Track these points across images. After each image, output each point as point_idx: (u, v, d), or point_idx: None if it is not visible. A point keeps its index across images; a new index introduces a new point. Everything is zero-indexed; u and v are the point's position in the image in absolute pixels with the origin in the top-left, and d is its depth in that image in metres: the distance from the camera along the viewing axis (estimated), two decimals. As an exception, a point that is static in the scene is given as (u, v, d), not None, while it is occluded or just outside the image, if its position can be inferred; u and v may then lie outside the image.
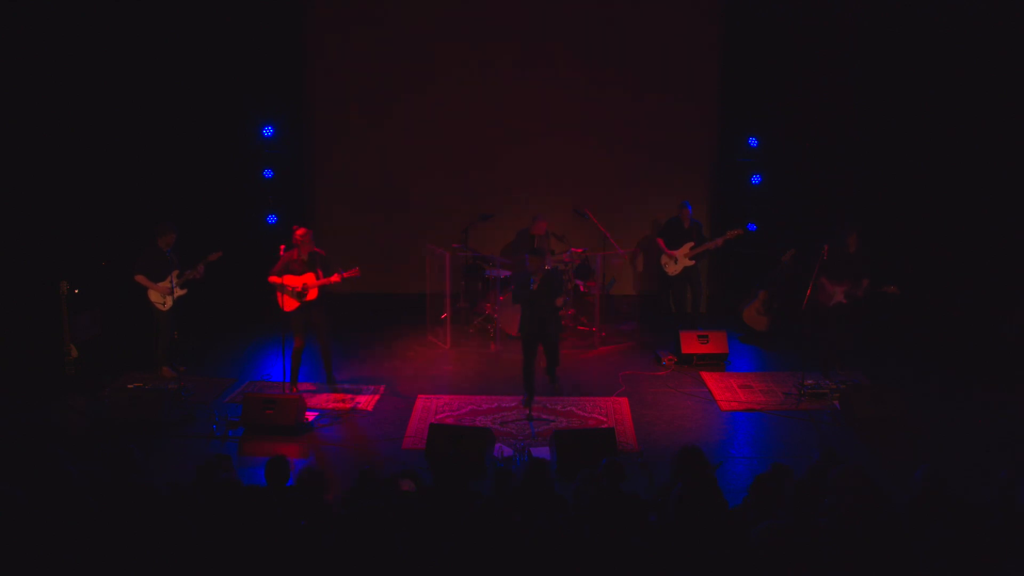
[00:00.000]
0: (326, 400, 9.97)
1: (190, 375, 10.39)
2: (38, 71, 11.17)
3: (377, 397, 10.12)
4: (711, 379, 10.65)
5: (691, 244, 12.26)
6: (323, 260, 9.86)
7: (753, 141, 13.09)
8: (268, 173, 13.14)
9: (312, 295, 9.81)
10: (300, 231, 9.76)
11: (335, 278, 9.74)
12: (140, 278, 10.14)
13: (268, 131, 13.01)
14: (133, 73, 12.06)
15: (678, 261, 12.31)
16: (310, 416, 9.45)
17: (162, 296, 10.17)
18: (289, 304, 9.80)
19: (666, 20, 13.33)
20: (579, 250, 12.28)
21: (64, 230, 11.33)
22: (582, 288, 12.40)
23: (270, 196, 13.19)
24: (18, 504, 5.03)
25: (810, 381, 10.19)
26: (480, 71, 13.44)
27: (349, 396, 10.09)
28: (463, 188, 13.62)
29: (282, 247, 9.77)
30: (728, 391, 10.33)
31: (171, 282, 10.04)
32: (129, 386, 9.85)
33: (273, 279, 9.74)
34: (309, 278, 9.76)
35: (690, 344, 11.14)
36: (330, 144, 13.76)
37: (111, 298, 10.98)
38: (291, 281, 9.73)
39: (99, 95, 11.78)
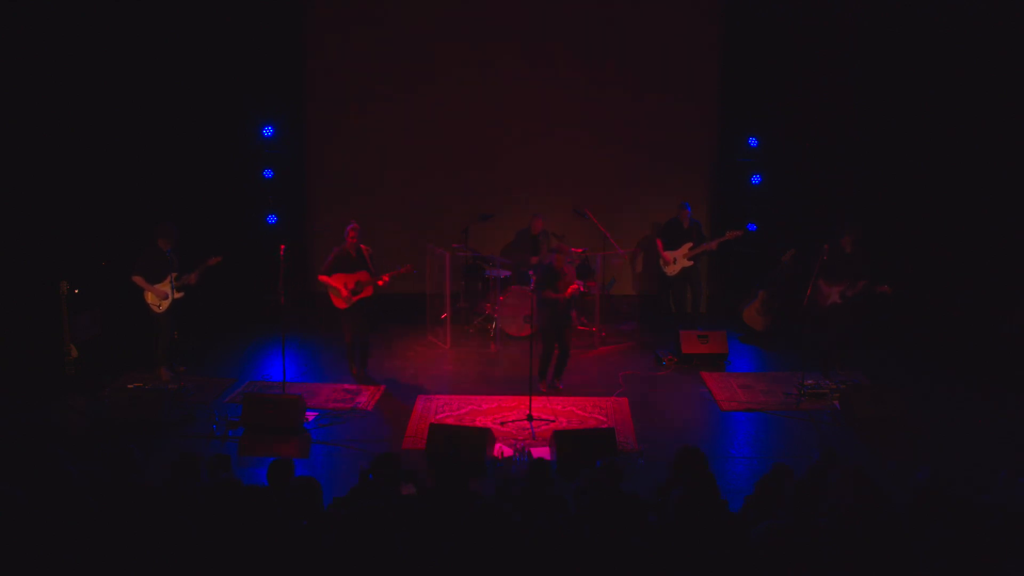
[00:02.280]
0: (326, 400, 9.96)
1: (190, 375, 10.39)
2: (38, 71, 11.16)
3: (377, 397, 10.12)
4: (711, 379, 10.65)
5: (690, 244, 12.26)
6: (370, 256, 10.19)
7: (753, 141, 13.09)
8: (268, 173, 13.14)
9: (367, 292, 10.14)
10: (351, 229, 10.06)
11: (386, 277, 10.12)
12: (137, 279, 10.11)
13: (268, 131, 13.01)
14: (133, 73, 12.06)
15: (676, 262, 12.31)
16: (310, 416, 9.44)
17: (158, 298, 10.13)
18: (339, 302, 10.17)
19: (666, 20, 13.33)
20: (579, 250, 12.28)
21: (64, 230, 11.33)
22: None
23: (270, 196, 13.19)
24: (18, 504, 5.03)
25: (810, 381, 10.19)
26: (480, 71, 13.43)
27: (349, 396, 10.09)
28: (463, 188, 13.62)
29: (282, 247, 9.76)
30: (728, 391, 10.33)
31: (170, 284, 10.01)
32: (129, 386, 9.84)
33: (323, 279, 10.11)
34: (362, 275, 10.07)
35: (690, 344, 11.14)
36: (330, 144, 13.75)
37: (111, 298, 10.97)
38: (342, 279, 10.07)
39: (99, 95, 11.78)
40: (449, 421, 9.35)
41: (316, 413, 9.56)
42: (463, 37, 13.35)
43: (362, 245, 10.19)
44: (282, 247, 9.76)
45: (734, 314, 12.59)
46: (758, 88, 12.96)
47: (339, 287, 10.12)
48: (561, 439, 8.47)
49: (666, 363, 11.15)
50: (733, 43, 13.18)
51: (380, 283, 10.12)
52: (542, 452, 8.58)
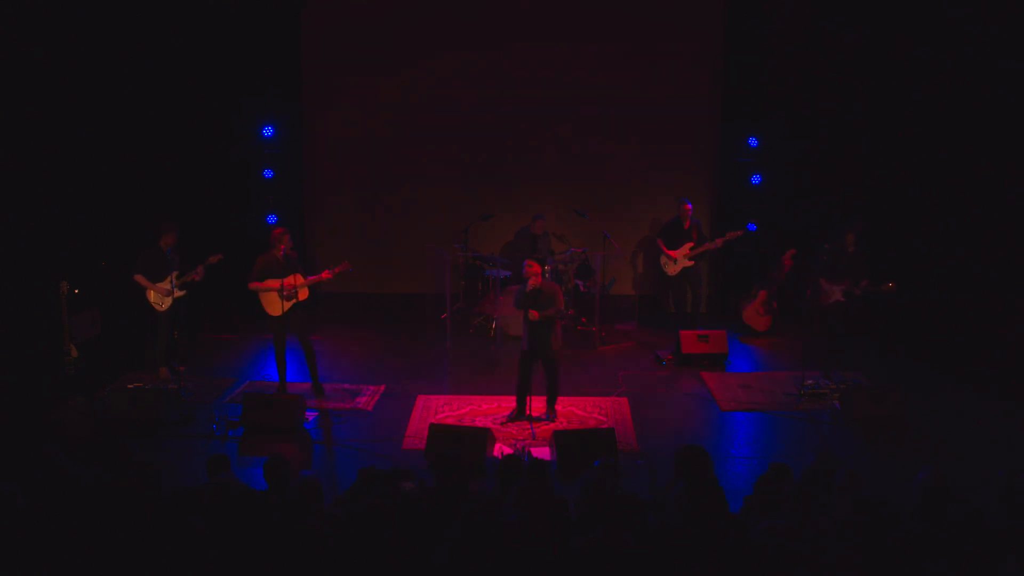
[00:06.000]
0: (326, 400, 9.95)
1: (190, 375, 10.39)
2: (38, 71, 11.16)
3: (377, 397, 10.11)
4: (711, 379, 10.65)
5: (691, 244, 12.25)
6: (298, 261, 9.72)
7: (753, 141, 13.07)
8: (268, 173, 13.13)
9: (303, 295, 9.67)
10: (280, 230, 9.62)
11: (325, 274, 9.59)
12: (138, 278, 10.12)
13: (268, 131, 13.00)
14: (133, 73, 12.07)
15: (677, 262, 12.31)
16: (310, 416, 9.44)
17: (160, 297, 10.14)
18: (277, 307, 9.60)
19: (667, 20, 13.31)
20: (579, 250, 12.27)
21: (64, 230, 11.33)
22: (582, 288, 12.39)
23: (270, 196, 13.19)
24: (18, 504, 5.04)
25: (810, 381, 10.19)
26: (481, 71, 13.42)
27: (349, 396, 10.08)
28: (463, 188, 13.61)
29: (282, 247, 9.74)
30: (728, 391, 10.33)
31: (171, 283, 10.02)
32: (129, 386, 9.83)
33: (256, 284, 9.56)
34: (296, 278, 9.57)
35: (690, 344, 11.14)
36: (330, 144, 13.75)
37: (111, 298, 10.98)
38: (275, 284, 9.53)
39: (99, 96, 11.78)
40: (449, 421, 9.34)
41: (316, 413, 9.56)
42: (464, 38, 13.32)
43: (291, 252, 9.66)
44: (281, 247, 9.75)
45: (734, 314, 12.59)
46: (758, 88, 12.96)
47: (277, 291, 9.54)
48: (561, 439, 8.47)
49: (666, 363, 11.14)
50: (733, 43, 13.17)
51: (319, 278, 9.54)
52: (542, 452, 8.58)
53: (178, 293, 10.07)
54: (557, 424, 9.34)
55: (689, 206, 12.24)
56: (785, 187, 13.01)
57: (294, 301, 9.63)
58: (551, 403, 9.53)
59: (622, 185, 13.65)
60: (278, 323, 9.69)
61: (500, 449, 8.70)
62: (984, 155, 11.61)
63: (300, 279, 9.59)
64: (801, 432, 9.27)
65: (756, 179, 13.11)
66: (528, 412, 9.43)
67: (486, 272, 12.39)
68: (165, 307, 10.15)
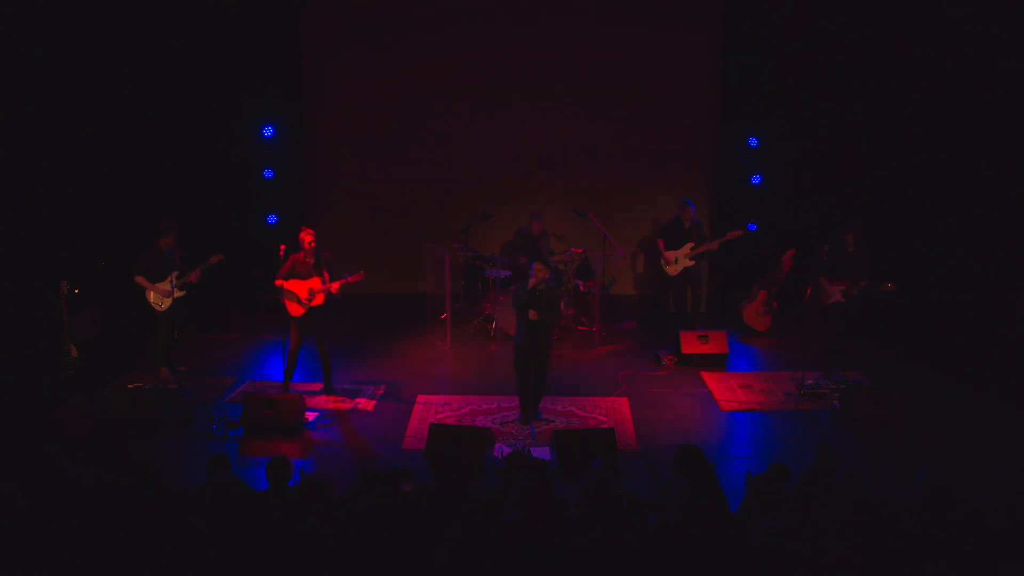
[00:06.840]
0: (326, 400, 9.95)
1: (190, 375, 10.39)
2: (38, 71, 11.16)
3: (377, 397, 10.11)
4: (711, 379, 10.65)
5: (691, 244, 12.25)
6: (329, 263, 9.76)
7: (753, 141, 13.08)
8: (268, 173, 13.13)
9: (318, 300, 9.70)
10: (307, 234, 9.66)
11: (336, 285, 9.63)
12: (139, 279, 10.12)
13: (268, 131, 13.01)
14: (134, 74, 12.07)
15: (678, 261, 12.30)
16: (310, 416, 9.44)
17: (159, 297, 10.14)
18: (295, 308, 9.74)
19: (667, 20, 13.31)
20: (579, 250, 12.27)
21: (64, 230, 11.33)
22: (582, 288, 12.39)
23: (270, 196, 13.19)
24: (18, 504, 5.04)
25: (810, 381, 10.19)
26: (481, 71, 13.42)
27: (349, 396, 10.08)
28: (463, 188, 13.62)
29: (282, 247, 9.76)
30: (728, 391, 10.33)
31: (171, 283, 10.02)
32: (129, 386, 9.82)
33: (280, 283, 9.70)
34: (315, 282, 9.65)
35: (690, 344, 11.13)
36: (330, 144, 13.75)
37: (111, 298, 10.98)
38: (296, 285, 9.65)
39: (100, 96, 11.79)
40: (449, 421, 9.35)
41: (316, 413, 9.56)
42: (464, 38, 13.33)
43: (325, 252, 9.80)
44: (282, 247, 9.76)
45: (734, 314, 12.59)
46: (758, 88, 12.96)
47: (297, 293, 9.64)
48: (561, 439, 8.47)
49: (666, 363, 11.14)
50: (733, 43, 13.18)
51: (332, 290, 9.64)
52: (542, 452, 8.58)
53: (178, 293, 10.07)
54: (557, 424, 9.34)
55: (692, 208, 12.25)
56: (785, 187, 13.02)
57: (311, 304, 9.69)
58: (536, 403, 9.56)
59: (622, 185, 13.65)
60: (297, 323, 9.81)
61: (500, 449, 8.69)
62: (984, 155, 11.61)
63: (318, 284, 9.65)
64: (801, 432, 9.27)
65: (756, 179, 13.11)
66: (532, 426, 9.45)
67: (486, 272, 12.38)
68: (165, 307, 10.16)
